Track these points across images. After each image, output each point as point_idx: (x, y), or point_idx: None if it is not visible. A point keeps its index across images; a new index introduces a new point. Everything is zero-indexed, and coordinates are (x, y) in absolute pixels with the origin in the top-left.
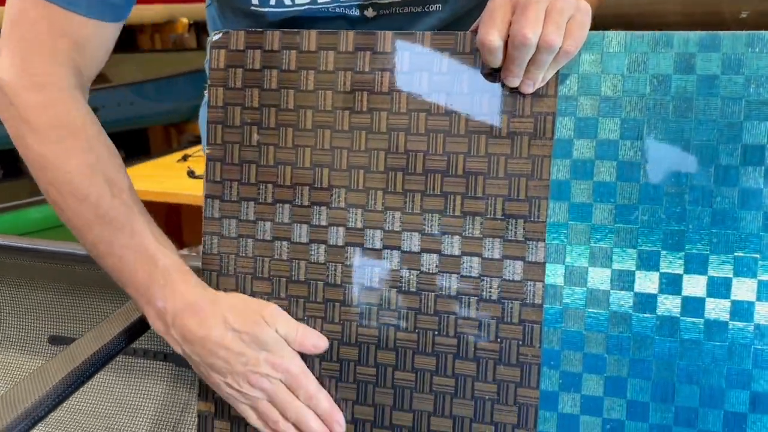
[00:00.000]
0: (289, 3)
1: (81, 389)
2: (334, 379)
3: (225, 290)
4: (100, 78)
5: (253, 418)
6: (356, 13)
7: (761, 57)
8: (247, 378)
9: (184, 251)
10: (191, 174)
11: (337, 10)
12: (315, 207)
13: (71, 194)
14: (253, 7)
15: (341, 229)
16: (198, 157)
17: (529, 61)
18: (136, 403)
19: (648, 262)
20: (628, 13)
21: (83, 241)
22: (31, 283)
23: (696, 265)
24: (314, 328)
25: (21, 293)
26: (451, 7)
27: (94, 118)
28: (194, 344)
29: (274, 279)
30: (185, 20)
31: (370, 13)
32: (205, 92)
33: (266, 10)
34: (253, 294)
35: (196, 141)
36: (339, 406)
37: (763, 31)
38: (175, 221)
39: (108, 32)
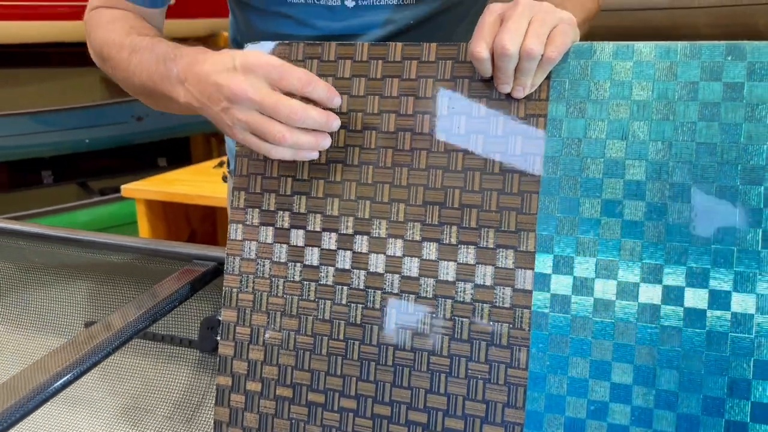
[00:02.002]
0: None
1: (112, 371)
2: (340, 356)
3: (245, 274)
4: None
5: (256, 144)
6: (337, 3)
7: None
8: (235, 99)
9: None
10: (225, 179)
11: (320, 1)
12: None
13: (115, 45)
14: None
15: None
16: None
17: (516, 68)
18: (162, 385)
19: (631, 255)
20: (661, 25)
21: (126, 78)
22: (69, 272)
23: (677, 255)
24: (324, 308)
25: (59, 280)
26: (425, 3)
27: (139, 19)
28: (199, 82)
29: (290, 264)
30: (226, 34)
31: (350, 3)
32: None
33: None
34: (270, 278)
35: None
36: (344, 387)
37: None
38: (210, 222)
39: (153, 12)
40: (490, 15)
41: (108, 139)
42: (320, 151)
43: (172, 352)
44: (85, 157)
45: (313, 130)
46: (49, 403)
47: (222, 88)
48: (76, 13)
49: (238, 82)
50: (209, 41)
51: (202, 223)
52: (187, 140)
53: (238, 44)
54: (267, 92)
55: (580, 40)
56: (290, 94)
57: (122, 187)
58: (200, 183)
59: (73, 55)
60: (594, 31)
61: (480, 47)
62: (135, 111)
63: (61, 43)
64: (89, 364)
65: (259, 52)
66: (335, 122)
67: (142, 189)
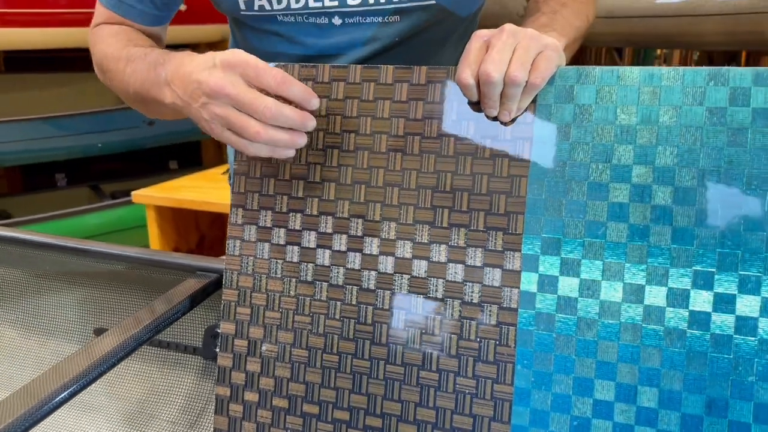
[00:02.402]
0: (269, 8)
1: (118, 376)
2: (334, 369)
3: (243, 288)
4: None
5: (233, 139)
6: (325, 21)
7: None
8: (212, 94)
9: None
10: None
11: (309, 19)
12: (322, 216)
13: (113, 58)
14: (243, 13)
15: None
16: None
17: (502, 94)
18: (167, 390)
19: (614, 275)
20: (668, 32)
21: (122, 88)
22: (79, 280)
23: (658, 276)
24: (318, 323)
25: (69, 288)
26: (408, 19)
27: (138, 33)
28: (182, 82)
29: (285, 279)
30: None
31: (337, 21)
32: None
33: (250, 13)
34: (267, 292)
35: None
36: (337, 399)
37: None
38: (219, 227)
39: (155, 30)
40: (476, 42)
41: (120, 143)
42: (310, 166)
43: (177, 359)
44: (98, 161)
45: (289, 129)
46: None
47: (201, 84)
48: (89, 20)
49: (216, 78)
50: (220, 47)
51: (211, 228)
52: (198, 144)
53: None
54: (244, 89)
55: (579, 51)
56: (269, 95)
57: (133, 193)
58: (209, 189)
59: (86, 61)
60: (602, 38)
61: (465, 74)
62: (146, 116)
63: (75, 48)
64: (100, 371)
65: (239, 51)
66: (310, 122)
67: (151, 195)
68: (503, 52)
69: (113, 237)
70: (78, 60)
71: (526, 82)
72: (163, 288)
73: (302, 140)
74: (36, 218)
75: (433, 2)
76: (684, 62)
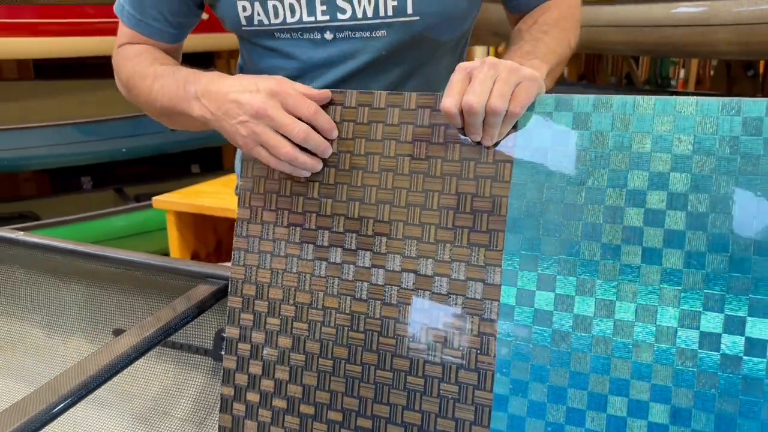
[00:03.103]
0: (267, 23)
1: (135, 375)
2: (329, 373)
3: (246, 296)
4: None
5: (264, 155)
6: (317, 36)
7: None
8: (256, 115)
9: None
10: None
11: (303, 35)
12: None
13: (140, 76)
14: (244, 28)
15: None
16: None
17: (483, 122)
18: (179, 389)
19: (587, 291)
20: (681, 41)
21: (149, 102)
22: (99, 284)
23: (630, 294)
24: (314, 330)
25: (90, 292)
26: (395, 33)
27: (160, 52)
28: (216, 99)
29: (285, 288)
30: None
31: (328, 36)
32: None
33: (250, 29)
34: (268, 300)
35: None
36: (331, 401)
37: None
38: None
39: (173, 47)
40: (460, 73)
41: (144, 147)
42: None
43: (189, 360)
44: (122, 165)
45: (312, 154)
46: (80, 404)
47: (243, 105)
48: (115, 30)
49: (260, 102)
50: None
51: (228, 232)
52: (219, 149)
53: (243, 72)
54: (282, 113)
55: (596, 59)
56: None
57: (153, 198)
58: (227, 196)
59: (112, 68)
60: (616, 47)
61: (449, 104)
62: (170, 127)
63: (101, 56)
64: (116, 370)
65: (282, 79)
66: (329, 151)
67: (171, 201)
68: (484, 84)
69: (136, 239)
70: (104, 67)
71: (507, 111)
72: (177, 292)
73: (320, 165)
74: (62, 220)
75: (417, 18)
76: (702, 70)
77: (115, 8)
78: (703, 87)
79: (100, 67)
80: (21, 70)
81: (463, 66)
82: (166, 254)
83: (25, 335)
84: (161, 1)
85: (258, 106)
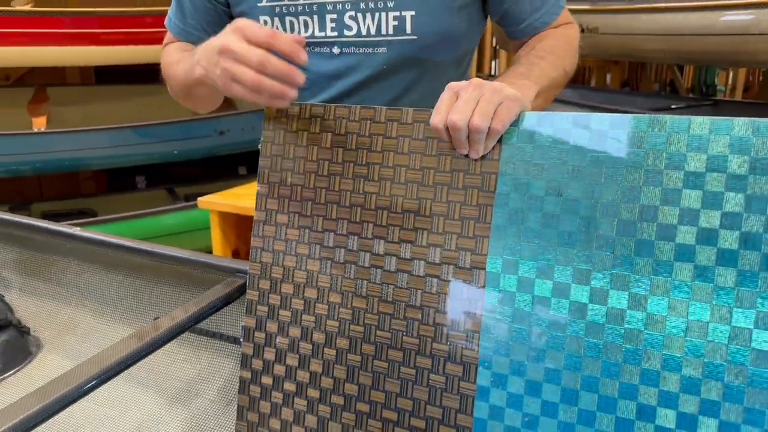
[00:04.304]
0: None
1: (171, 360)
2: (332, 362)
3: (262, 290)
4: (228, 105)
5: (238, 90)
6: (327, 50)
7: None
8: (221, 52)
9: None
10: None
11: (315, 49)
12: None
13: (173, 65)
14: None
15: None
16: None
17: (468, 138)
18: (210, 373)
19: (561, 293)
20: (720, 50)
21: (177, 84)
22: (143, 276)
23: (600, 296)
24: (321, 322)
25: (135, 282)
26: (395, 50)
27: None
28: (204, 53)
29: (295, 284)
30: None
31: (336, 50)
32: (260, 146)
33: None
34: (281, 294)
35: None
36: (334, 386)
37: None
38: None
39: None
40: (448, 92)
41: (194, 150)
42: (310, 191)
43: (219, 347)
44: (174, 166)
45: (282, 81)
46: (121, 381)
47: (215, 47)
48: None
49: (223, 38)
50: None
51: None
52: None
53: None
54: (241, 44)
55: (639, 67)
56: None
57: (198, 199)
58: None
59: None
60: (655, 55)
61: (436, 121)
62: (218, 126)
63: (156, 63)
64: (148, 352)
65: (245, 19)
66: (298, 76)
67: (215, 201)
68: (468, 103)
69: (184, 236)
70: (159, 74)
71: (490, 128)
72: (210, 285)
73: (292, 92)
74: (118, 217)
75: (415, 37)
76: (747, 79)
77: (166, 20)
78: (750, 95)
79: (155, 73)
80: (83, 76)
81: (451, 86)
82: (210, 251)
83: (78, 320)
84: (199, 13)
85: (221, 42)
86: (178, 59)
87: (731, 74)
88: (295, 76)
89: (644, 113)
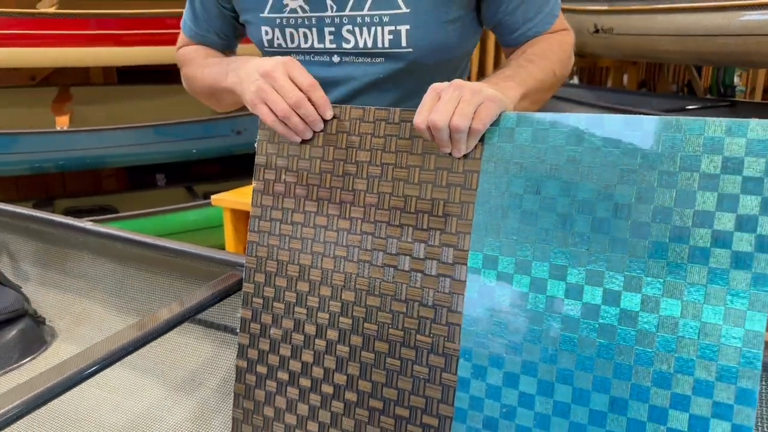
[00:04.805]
0: (285, 46)
1: (176, 351)
2: (323, 353)
3: (257, 283)
4: (245, 106)
5: (265, 111)
6: (327, 59)
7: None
8: (264, 75)
9: None
10: None
11: (315, 58)
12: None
13: (197, 66)
14: (266, 48)
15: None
16: None
17: (450, 137)
18: (214, 364)
19: (538, 288)
20: (736, 51)
21: (203, 86)
22: (153, 269)
23: (575, 292)
24: (312, 314)
25: (144, 276)
26: (391, 61)
27: (212, 50)
28: (243, 67)
29: (288, 277)
30: None
31: (336, 59)
32: (256, 144)
33: (272, 50)
34: (275, 287)
35: None
36: (324, 376)
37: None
38: None
39: (226, 51)
40: (430, 94)
41: (212, 149)
42: (308, 202)
43: (223, 338)
44: (193, 164)
45: (304, 123)
46: (126, 369)
47: (259, 68)
48: None
49: (270, 65)
50: None
51: None
52: None
53: None
54: (285, 78)
55: (657, 68)
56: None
57: (212, 197)
58: None
59: None
60: (671, 56)
61: (418, 121)
62: (235, 126)
63: (176, 64)
64: (147, 340)
65: (297, 61)
66: (319, 124)
67: (228, 199)
68: (448, 104)
69: (202, 232)
70: (179, 74)
71: (470, 127)
72: (215, 278)
73: (310, 134)
74: (138, 213)
75: (410, 50)
76: (767, 80)
77: (181, 21)
78: None
79: (176, 74)
80: (106, 76)
81: (434, 87)
82: (224, 248)
83: (90, 312)
84: (211, 18)
85: (267, 68)
86: (205, 63)
87: (751, 75)
88: (318, 123)
89: (658, 114)
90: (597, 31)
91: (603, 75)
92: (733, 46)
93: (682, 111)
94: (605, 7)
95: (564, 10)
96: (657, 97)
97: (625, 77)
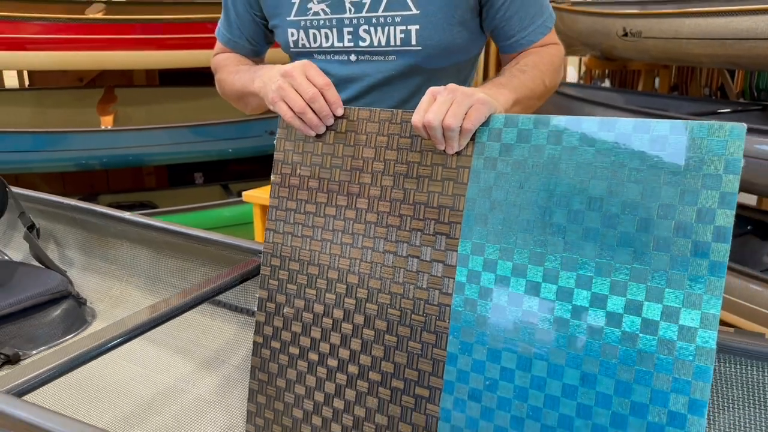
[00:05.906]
0: (308, 46)
1: (204, 331)
2: (329, 330)
3: (273, 266)
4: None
5: (284, 109)
6: (345, 58)
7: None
8: (284, 74)
9: None
10: None
11: (334, 57)
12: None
13: (228, 72)
14: (292, 49)
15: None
16: None
17: (443, 135)
18: (237, 343)
19: (521, 274)
20: (763, 54)
21: (233, 90)
22: (184, 256)
23: (551, 277)
24: (321, 296)
25: (177, 261)
26: (402, 59)
27: (244, 57)
28: (269, 72)
29: (301, 261)
30: None
31: (353, 58)
32: (275, 142)
33: (296, 50)
34: (289, 271)
35: None
36: (330, 351)
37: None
38: None
39: (254, 59)
40: (427, 96)
41: (247, 149)
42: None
43: (245, 321)
44: (229, 163)
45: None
46: (157, 347)
47: (280, 70)
48: None
49: (290, 67)
50: None
51: None
52: None
53: None
54: (303, 77)
55: (689, 71)
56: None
57: (243, 193)
58: None
59: None
60: (698, 59)
61: (415, 120)
62: (268, 126)
63: None
64: (167, 318)
65: (313, 64)
66: (331, 119)
67: (257, 196)
68: (442, 105)
69: (237, 228)
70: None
71: (461, 127)
72: (235, 263)
73: (323, 128)
74: (177, 209)
75: (420, 48)
76: None
77: (216, 29)
78: None
79: (213, 77)
80: (149, 78)
81: (431, 90)
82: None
83: (127, 295)
84: (244, 25)
85: (286, 69)
86: (236, 69)
87: None
88: (330, 118)
89: (688, 118)
90: (626, 34)
91: (634, 78)
92: (761, 50)
93: (713, 115)
94: (636, 11)
95: (593, 14)
96: (688, 100)
97: (656, 81)
